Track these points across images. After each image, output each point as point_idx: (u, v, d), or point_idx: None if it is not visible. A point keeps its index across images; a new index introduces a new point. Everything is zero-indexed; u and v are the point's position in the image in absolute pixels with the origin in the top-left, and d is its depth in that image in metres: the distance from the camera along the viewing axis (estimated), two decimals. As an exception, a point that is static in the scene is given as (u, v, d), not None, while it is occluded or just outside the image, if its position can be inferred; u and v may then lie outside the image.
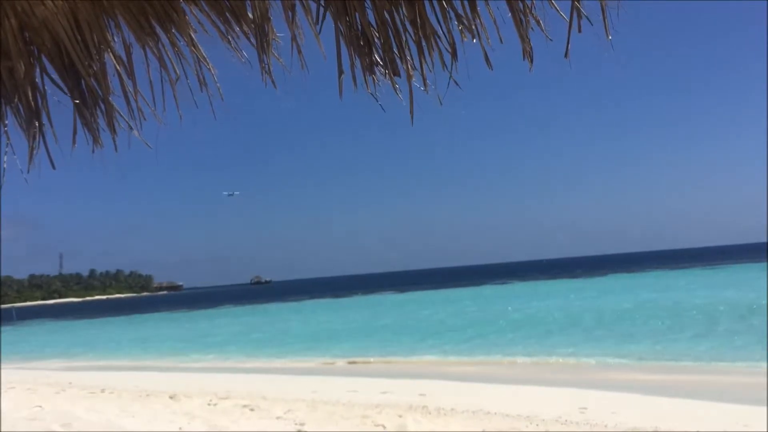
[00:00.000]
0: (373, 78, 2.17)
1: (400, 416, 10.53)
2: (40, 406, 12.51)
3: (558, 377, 15.60)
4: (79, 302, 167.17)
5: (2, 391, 14.89)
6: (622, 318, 27.54)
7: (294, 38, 2.27)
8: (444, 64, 2.11)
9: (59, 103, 2.64)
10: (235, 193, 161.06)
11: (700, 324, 23.46)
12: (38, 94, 2.63)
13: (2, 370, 21.89)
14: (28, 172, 2.69)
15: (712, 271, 64.86)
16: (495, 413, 10.61)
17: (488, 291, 61.06)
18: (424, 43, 2.09)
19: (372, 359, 21.27)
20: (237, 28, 2.39)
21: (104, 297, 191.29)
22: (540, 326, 26.72)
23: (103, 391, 15.06)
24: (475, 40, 2.01)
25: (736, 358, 16.49)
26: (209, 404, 12.38)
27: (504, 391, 13.80)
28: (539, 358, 18.78)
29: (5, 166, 2.65)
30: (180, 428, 9.92)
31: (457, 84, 2.08)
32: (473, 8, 2.03)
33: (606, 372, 16.17)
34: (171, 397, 13.37)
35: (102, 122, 2.61)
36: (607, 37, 1.77)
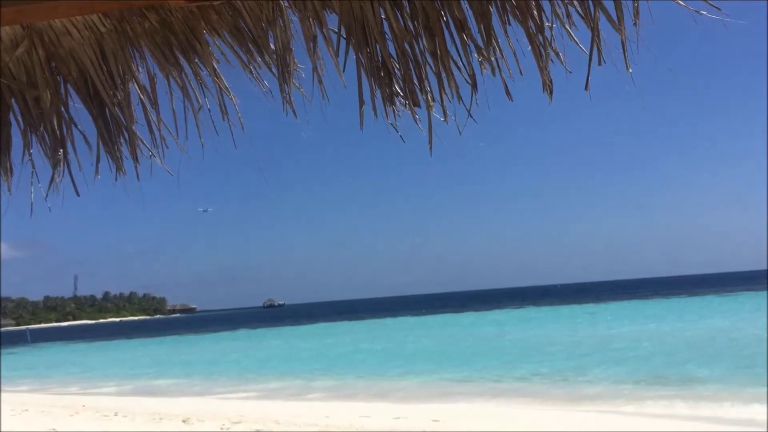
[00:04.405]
0: (393, 108, 2.20)
1: (414, 443, 10.44)
2: (54, 429, 12.53)
3: (578, 401, 15.36)
4: (92, 324, 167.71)
5: (17, 413, 14.94)
6: (640, 344, 27.20)
7: (315, 69, 2.31)
8: (460, 96, 2.13)
9: (83, 132, 2.69)
10: (209, 209, 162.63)
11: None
12: (63, 123, 2.69)
13: (16, 393, 21.96)
14: (48, 191, 2.73)
15: (730, 298, 63.30)
16: (510, 440, 10.49)
17: (503, 316, 60.58)
18: (443, 75, 2.12)
19: (384, 382, 21.10)
20: (259, 59, 2.44)
21: (118, 319, 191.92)
22: (556, 351, 26.44)
23: (116, 414, 15.04)
24: (495, 74, 2.03)
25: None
26: (221, 429, 12.33)
27: (520, 415, 13.63)
28: (555, 382, 18.54)
29: (32, 190, 2.70)
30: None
31: (473, 119, 2.10)
32: (489, 41, 2.05)
33: (635, 397, 15.84)
34: (184, 421, 13.34)
35: (125, 150, 2.66)
36: (627, 70, 1.78)
